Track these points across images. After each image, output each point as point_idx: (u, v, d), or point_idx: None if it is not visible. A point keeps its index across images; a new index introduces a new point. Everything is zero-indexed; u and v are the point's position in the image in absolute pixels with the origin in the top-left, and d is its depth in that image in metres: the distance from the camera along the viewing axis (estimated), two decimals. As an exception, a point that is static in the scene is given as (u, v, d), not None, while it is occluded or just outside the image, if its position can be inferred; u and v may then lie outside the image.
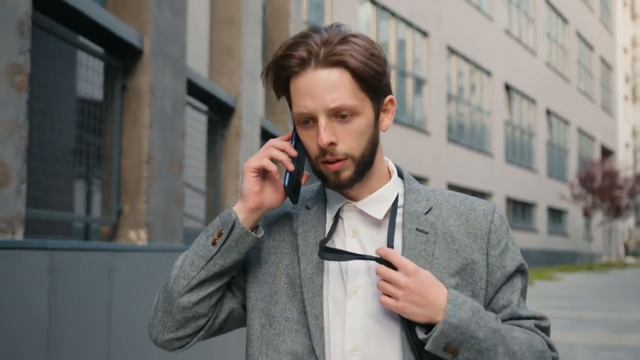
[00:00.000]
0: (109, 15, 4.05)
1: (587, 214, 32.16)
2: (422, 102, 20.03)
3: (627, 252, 44.30)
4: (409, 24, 19.13)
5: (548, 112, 29.64)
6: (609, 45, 39.12)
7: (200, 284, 1.33)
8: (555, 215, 31.01)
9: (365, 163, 1.32)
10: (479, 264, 1.34)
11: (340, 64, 1.26)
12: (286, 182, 1.31)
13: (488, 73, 23.92)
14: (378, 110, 1.34)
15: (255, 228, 1.35)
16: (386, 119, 1.36)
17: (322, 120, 1.27)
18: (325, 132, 1.26)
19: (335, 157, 1.28)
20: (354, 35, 1.29)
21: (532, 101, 27.90)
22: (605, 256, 36.60)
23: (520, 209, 27.05)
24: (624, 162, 39.49)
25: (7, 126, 2.89)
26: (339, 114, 1.27)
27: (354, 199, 1.37)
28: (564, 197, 30.16)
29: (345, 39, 1.27)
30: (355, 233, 1.36)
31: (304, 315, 1.34)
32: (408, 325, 1.28)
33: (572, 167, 32.54)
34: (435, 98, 20.31)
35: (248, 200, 1.32)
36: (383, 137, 1.36)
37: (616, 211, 32.18)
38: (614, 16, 41.39)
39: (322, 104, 1.26)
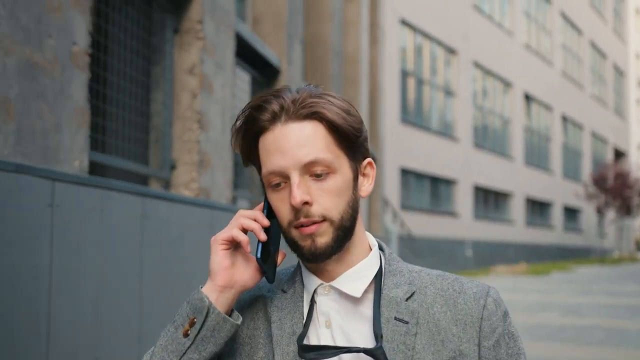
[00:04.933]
0: None
1: (600, 212, 33.11)
2: (451, 112, 22.51)
3: (639, 248, 45.30)
4: (439, 42, 21.65)
5: (564, 118, 31.40)
6: (621, 52, 40.78)
7: None
8: (570, 213, 32.64)
9: (345, 230, 1.12)
10: (470, 356, 1.12)
11: (313, 115, 1.11)
12: (258, 254, 1.12)
13: (509, 84, 25.99)
14: (357, 172, 1.16)
15: (230, 313, 1.14)
16: (366, 184, 1.18)
17: (295, 178, 1.09)
18: (299, 190, 1.08)
19: (310, 219, 1.10)
20: (328, 93, 1.14)
21: (549, 108, 29.67)
22: (617, 251, 37.35)
23: (538, 207, 28.80)
24: (636, 163, 41.26)
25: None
26: (313, 172, 1.10)
27: (328, 278, 1.17)
28: (578, 196, 31.81)
29: (319, 94, 1.13)
30: (329, 324, 1.15)
31: None
32: None
33: (586, 169, 34.09)
34: (462, 107, 22.48)
35: (217, 277, 1.12)
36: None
37: (627, 210, 33.39)
38: (627, 24, 43.23)
39: (294, 159, 1.09)
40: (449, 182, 21.95)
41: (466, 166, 22.58)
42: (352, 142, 1.14)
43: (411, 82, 20.07)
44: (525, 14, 27.72)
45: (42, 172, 2.30)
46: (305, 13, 7.06)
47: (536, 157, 28.62)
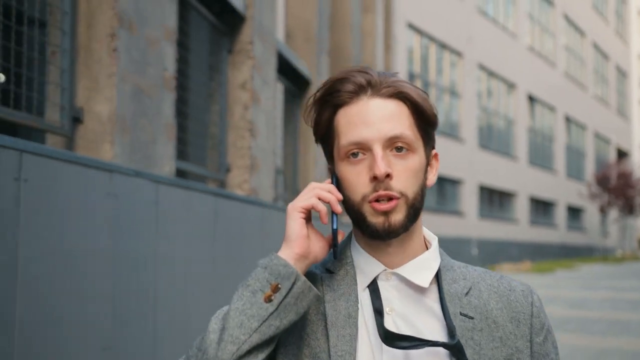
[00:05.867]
0: None
1: (603, 211, 33.23)
2: (457, 113, 22.88)
3: (641, 247, 45.94)
4: (445, 45, 22.12)
5: (567, 118, 31.64)
6: (623, 53, 40.89)
7: (251, 350, 1.05)
8: (574, 212, 32.86)
9: (416, 210, 1.13)
10: (524, 352, 1.15)
11: (399, 95, 1.14)
12: (334, 225, 1.13)
13: (513, 85, 26.31)
14: (428, 158, 1.19)
15: None
16: (431, 175, 1.20)
17: (378, 150, 1.10)
18: (383, 161, 1.09)
19: (388, 192, 1.10)
20: (406, 81, 1.18)
21: (552, 108, 29.94)
22: (620, 250, 37.72)
23: (542, 207, 29.08)
24: (638, 163, 41.54)
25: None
26: (396, 146, 1.12)
27: (389, 265, 1.16)
28: (581, 196, 32.04)
29: (400, 79, 1.16)
30: (391, 310, 1.13)
31: None
32: None
33: (589, 168, 34.28)
34: (468, 109, 22.81)
35: (295, 244, 1.10)
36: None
37: (630, 209, 33.63)
38: (629, 26, 43.53)
39: (380, 132, 1.11)
40: (454, 182, 22.38)
41: (471, 166, 22.95)
42: (431, 127, 1.18)
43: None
44: (529, 16, 28.12)
45: (151, 176, 2.84)
46: (329, 25, 7.56)
47: (540, 157, 28.92)
